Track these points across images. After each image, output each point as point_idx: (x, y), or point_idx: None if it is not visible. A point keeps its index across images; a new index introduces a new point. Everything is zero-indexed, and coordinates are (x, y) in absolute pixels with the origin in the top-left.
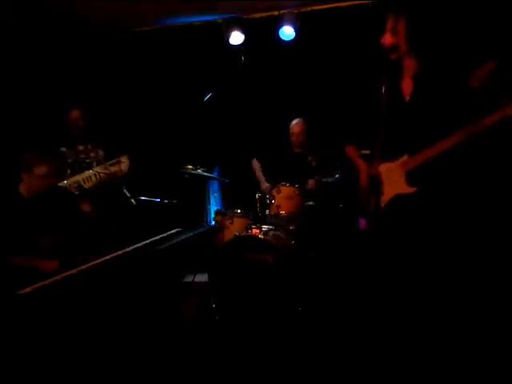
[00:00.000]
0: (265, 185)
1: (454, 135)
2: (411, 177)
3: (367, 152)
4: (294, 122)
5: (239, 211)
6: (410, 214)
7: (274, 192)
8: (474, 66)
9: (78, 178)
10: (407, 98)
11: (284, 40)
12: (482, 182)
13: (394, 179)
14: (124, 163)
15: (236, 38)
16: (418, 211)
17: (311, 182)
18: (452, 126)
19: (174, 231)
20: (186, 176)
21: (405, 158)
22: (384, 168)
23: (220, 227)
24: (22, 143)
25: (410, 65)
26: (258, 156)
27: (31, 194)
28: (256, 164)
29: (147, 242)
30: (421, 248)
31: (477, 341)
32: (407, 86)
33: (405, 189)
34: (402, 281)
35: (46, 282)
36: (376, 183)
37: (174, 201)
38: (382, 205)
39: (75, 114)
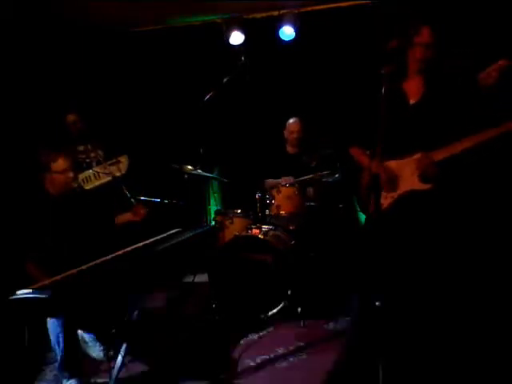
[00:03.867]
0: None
1: (481, 133)
2: (425, 174)
3: (368, 152)
4: (291, 121)
5: (239, 211)
6: (424, 210)
7: (274, 192)
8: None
9: (78, 177)
10: (415, 96)
11: (284, 40)
12: (497, 181)
13: (405, 176)
14: (123, 163)
15: (236, 38)
16: (432, 207)
17: (309, 190)
18: (471, 124)
19: (173, 231)
20: (186, 176)
21: (418, 155)
22: (394, 164)
23: (220, 227)
24: (22, 144)
25: (416, 66)
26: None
27: (56, 191)
28: (271, 181)
29: (147, 242)
30: (434, 244)
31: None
32: (413, 86)
33: (418, 185)
34: (412, 279)
35: (46, 282)
36: (377, 181)
37: (174, 201)
38: (390, 200)
39: (71, 118)
